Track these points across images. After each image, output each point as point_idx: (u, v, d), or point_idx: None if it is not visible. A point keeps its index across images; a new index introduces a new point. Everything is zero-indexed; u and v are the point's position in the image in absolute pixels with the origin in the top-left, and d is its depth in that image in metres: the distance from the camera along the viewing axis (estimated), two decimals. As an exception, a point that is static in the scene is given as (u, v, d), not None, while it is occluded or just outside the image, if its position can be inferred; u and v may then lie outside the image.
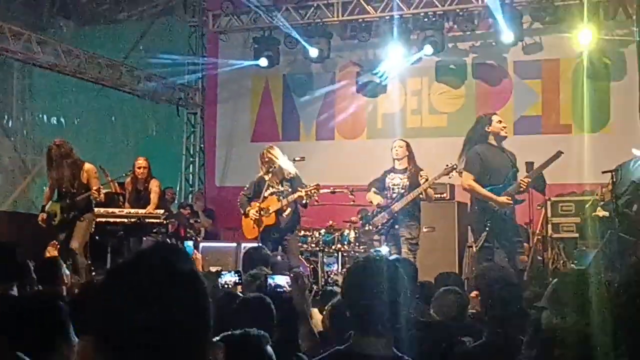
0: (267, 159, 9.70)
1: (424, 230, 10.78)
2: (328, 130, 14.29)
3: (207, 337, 1.80)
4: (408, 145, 9.63)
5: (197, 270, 1.84)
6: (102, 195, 9.70)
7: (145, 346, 1.68)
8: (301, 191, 9.53)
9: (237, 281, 6.07)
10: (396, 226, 9.41)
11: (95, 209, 10.17)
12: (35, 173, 13.17)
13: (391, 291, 2.99)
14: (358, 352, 2.96)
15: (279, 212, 9.59)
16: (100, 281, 1.85)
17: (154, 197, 10.62)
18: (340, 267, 11.23)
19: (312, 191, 9.66)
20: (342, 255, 11.54)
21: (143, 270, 1.75)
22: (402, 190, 9.39)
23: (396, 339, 3.04)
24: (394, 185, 9.50)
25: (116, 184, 11.70)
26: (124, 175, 11.05)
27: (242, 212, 9.85)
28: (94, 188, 9.56)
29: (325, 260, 11.39)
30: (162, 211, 10.52)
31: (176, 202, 14.09)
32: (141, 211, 10.41)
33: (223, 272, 6.34)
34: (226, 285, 6.02)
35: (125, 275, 1.76)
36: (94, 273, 9.54)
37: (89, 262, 9.90)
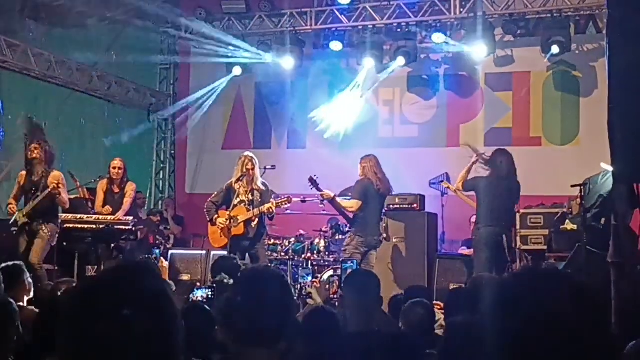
0: (247, 167, 9.65)
1: (394, 240, 10.86)
2: (300, 138, 14.28)
3: (176, 356, 1.77)
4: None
5: (167, 289, 1.81)
6: (62, 198, 9.57)
7: None
8: (272, 203, 9.53)
9: (209, 296, 6.02)
10: None
11: (63, 215, 10.05)
12: (3, 177, 12.98)
13: (277, 300, 2.87)
14: None
15: (247, 222, 9.56)
16: (67, 300, 1.81)
17: (127, 201, 10.51)
18: (312, 278, 11.20)
19: (283, 203, 9.70)
20: (312, 265, 11.52)
21: (111, 290, 1.72)
22: None
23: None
24: None
25: (85, 190, 11.58)
26: (93, 181, 10.93)
27: (209, 219, 9.80)
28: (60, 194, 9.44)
29: (300, 272, 11.38)
30: (131, 218, 10.43)
31: (146, 207, 13.97)
32: (110, 217, 10.30)
33: (197, 288, 6.28)
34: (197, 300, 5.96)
35: (93, 296, 1.73)
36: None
37: (56, 267, 9.78)
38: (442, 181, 11.60)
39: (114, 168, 10.62)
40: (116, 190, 10.61)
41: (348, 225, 10.14)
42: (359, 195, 9.76)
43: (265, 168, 10.22)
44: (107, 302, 1.69)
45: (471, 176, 9.72)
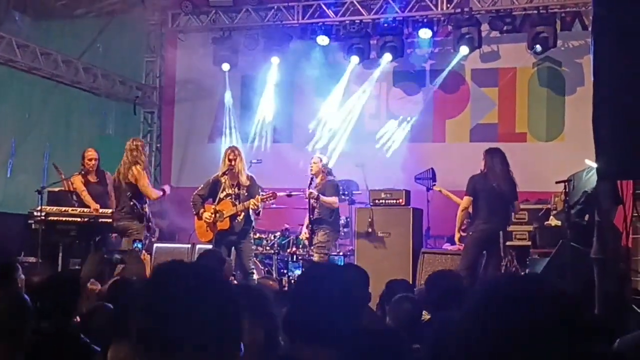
0: (229, 157, 9.62)
1: (379, 235, 10.91)
2: (286, 133, 14.26)
3: (237, 341, 1.84)
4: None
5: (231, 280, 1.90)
6: None
7: (186, 348, 1.72)
8: (257, 199, 9.52)
9: None
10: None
11: (47, 208, 10.01)
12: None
13: (339, 298, 2.86)
14: None
15: (233, 217, 9.54)
16: (142, 287, 1.87)
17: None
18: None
19: (268, 199, 9.71)
20: (297, 258, 11.54)
21: (188, 276, 1.79)
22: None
23: (345, 348, 2.95)
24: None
25: (70, 183, 11.52)
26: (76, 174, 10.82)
27: (195, 212, 9.78)
28: None
29: (289, 266, 11.42)
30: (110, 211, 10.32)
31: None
32: (107, 211, 10.20)
33: None
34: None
35: (170, 281, 1.79)
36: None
37: (40, 260, 9.73)
38: (431, 182, 11.60)
39: (90, 160, 10.37)
40: (94, 179, 10.45)
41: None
42: (337, 193, 10.55)
43: (251, 162, 10.21)
44: (187, 288, 1.76)
45: (466, 176, 9.70)
